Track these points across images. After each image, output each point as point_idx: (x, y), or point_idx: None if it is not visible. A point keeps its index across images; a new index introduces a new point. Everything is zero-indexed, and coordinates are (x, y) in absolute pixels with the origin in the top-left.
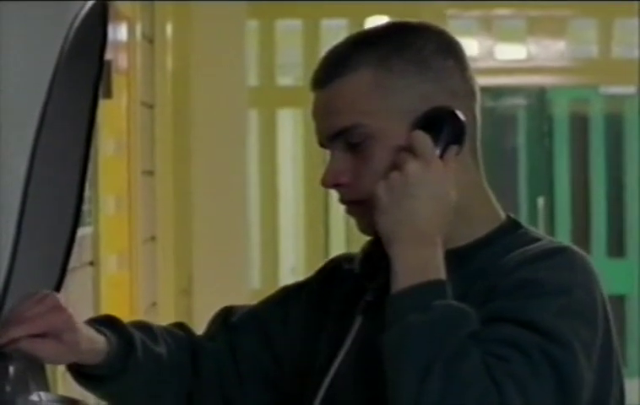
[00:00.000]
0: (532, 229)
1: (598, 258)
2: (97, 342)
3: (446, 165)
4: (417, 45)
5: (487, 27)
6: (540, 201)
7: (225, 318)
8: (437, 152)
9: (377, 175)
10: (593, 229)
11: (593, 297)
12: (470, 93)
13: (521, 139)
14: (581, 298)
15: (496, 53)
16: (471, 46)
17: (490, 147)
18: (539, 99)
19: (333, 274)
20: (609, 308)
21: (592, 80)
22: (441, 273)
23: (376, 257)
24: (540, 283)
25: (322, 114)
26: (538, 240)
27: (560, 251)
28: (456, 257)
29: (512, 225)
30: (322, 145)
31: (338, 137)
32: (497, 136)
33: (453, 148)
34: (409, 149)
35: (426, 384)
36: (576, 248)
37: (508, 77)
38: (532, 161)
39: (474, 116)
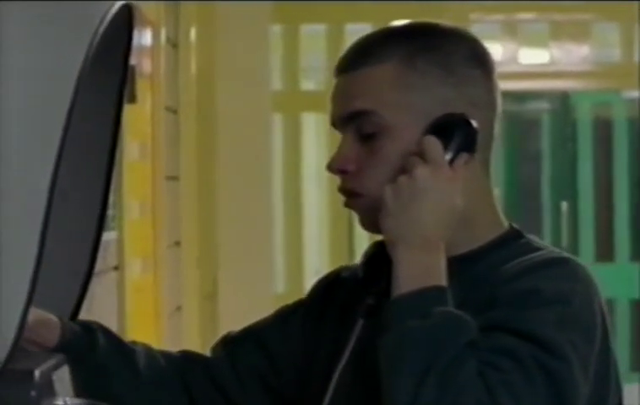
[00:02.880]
0: (535, 239)
1: (620, 262)
2: (48, 317)
3: (455, 172)
4: (446, 49)
5: (510, 31)
6: (564, 205)
7: (224, 337)
8: (447, 158)
9: (382, 172)
10: (616, 232)
11: (592, 309)
12: (492, 106)
13: (544, 143)
14: (580, 309)
15: (519, 57)
16: (495, 51)
17: (513, 151)
18: (563, 103)
19: (331, 285)
20: (608, 320)
21: (615, 84)
22: (442, 280)
23: (380, 261)
24: (539, 293)
25: (340, 95)
26: (539, 249)
27: (560, 262)
28: (456, 264)
29: (515, 235)
30: (333, 125)
31: (352, 121)
32: (521, 140)
33: (463, 156)
34: (420, 154)
35: (422, 390)
36: (576, 258)
37: (532, 81)
38: (555, 165)
39: (491, 129)
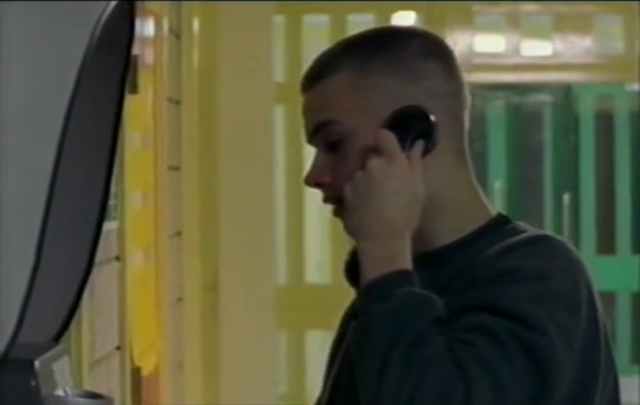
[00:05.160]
0: (521, 224)
1: (622, 255)
2: None
3: (412, 161)
4: (396, 48)
5: (513, 23)
6: (566, 197)
7: None
8: (405, 149)
9: (351, 176)
10: (617, 225)
11: (574, 282)
12: (454, 94)
13: (546, 136)
14: (560, 283)
15: (521, 50)
16: (497, 43)
17: (515, 143)
18: (565, 95)
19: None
20: (596, 297)
21: (617, 77)
22: (407, 264)
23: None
24: (517, 271)
25: (305, 112)
26: (523, 233)
27: (540, 240)
28: (441, 255)
29: (501, 222)
30: (309, 143)
31: (318, 133)
32: (523, 132)
33: (420, 144)
34: (375, 149)
35: (386, 370)
36: (558, 236)
37: (534, 73)
38: (557, 158)
39: (457, 117)
